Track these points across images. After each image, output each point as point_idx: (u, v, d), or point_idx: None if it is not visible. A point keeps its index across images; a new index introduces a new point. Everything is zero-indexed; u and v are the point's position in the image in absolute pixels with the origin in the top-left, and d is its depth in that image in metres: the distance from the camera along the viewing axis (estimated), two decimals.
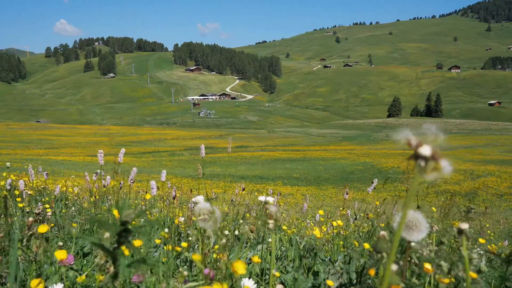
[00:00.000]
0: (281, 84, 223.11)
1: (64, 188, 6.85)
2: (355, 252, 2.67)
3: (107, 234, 1.22)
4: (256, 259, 1.62)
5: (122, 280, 1.59)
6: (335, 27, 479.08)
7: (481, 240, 2.65)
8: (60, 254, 1.34)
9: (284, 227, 4.08)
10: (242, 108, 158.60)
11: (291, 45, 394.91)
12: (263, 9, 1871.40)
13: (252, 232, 1.40)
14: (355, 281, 2.34)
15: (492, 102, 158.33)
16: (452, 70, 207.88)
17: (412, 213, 0.85)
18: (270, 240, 2.63)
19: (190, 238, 2.57)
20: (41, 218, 2.34)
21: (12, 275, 1.06)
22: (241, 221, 3.74)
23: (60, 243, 1.85)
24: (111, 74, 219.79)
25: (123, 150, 3.18)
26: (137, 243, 1.65)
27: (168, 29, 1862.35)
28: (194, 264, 2.05)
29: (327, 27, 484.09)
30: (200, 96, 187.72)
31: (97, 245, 0.80)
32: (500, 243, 6.36)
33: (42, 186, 5.41)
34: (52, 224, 2.96)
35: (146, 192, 5.26)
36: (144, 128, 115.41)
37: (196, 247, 2.56)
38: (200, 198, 1.60)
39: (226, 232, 1.50)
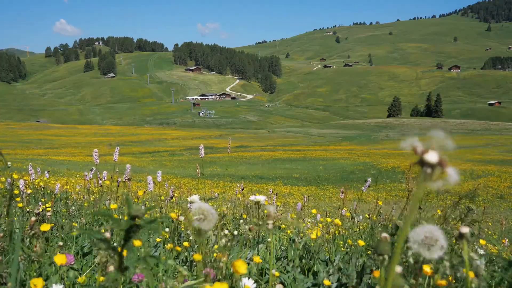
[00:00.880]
0: (281, 84, 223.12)
1: (65, 188, 6.85)
2: (355, 252, 2.67)
3: (107, 234, 1.22)
4: (257, 259, 1.62)
5: (122, 280, 1.59)
6: (335, 27, 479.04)
7: (482, 241, 2.66)
8: (60, 259, 1.34)
9: (283, 226, 4.08)
10: (242, 108, 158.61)
11: (291, 45, 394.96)
12: (263, 9, 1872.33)
13: (251, 231, 1.40)
14: (354, 281, 2.35)
15: (492, 102, 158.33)
16: (452, 70, 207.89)
17: (430, 228, 0.76)
18: (269, 240, 2.63)
19: (190, 238, 2.57)
20: (41, 218, 2.34)
21: (13, 274, 1.06)
22: (241, 221, 3.75)
23: (60, 243, 1.85)
24: (111, 74, 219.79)
25: (117, 148, 3.19)
26: (136, 243, 1.65)
27: (168, 29, 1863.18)
28: (194, 264, 2.05)
29: (327, 27, 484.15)
30: (200, 96, 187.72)
31: (103, 240, 0.80)
32: (502, 244, 6.36)
33: (42, 186, 5.41)
34: (52, 224, 2.96)
35: (145, 192, 5.26)
36: (144, 128, 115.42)
37: (196, 247, 2.56)
38: (195, 198, 1.60)
39: (226, 232, 1.50)
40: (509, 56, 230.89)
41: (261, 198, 1.33)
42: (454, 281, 1.04)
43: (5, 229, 2.42)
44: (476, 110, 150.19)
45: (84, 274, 1.76)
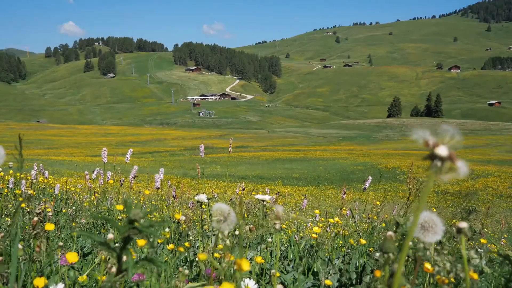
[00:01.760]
0: (281, 84, 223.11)
1: (65, 188, 6.85)
2: (355, 252, 2.68)
3: (110, 235, 1.23)
4: (259, 259, 1.62)
5: (123, 280, 1.60)
6: (335, 27, 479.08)
7: (483, 240, 2.66)
8: (72, 257, 1.34)
9: (283, 226, 4.08)
10: (242, 108, 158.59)
11: (291, 45, 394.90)
12: (263, 9, 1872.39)
13: (251, 232, 1.40)
14: (355, 281, 2.35)
15: (492, 102, 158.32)
16: (452, 70, 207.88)
17: (427, 214, 0.82)
18: (270, 240, 2.63)
19: (190, 238, 2.58)
20: (41, 218, 2.34)
21: (13, 274, 1.06)
22: (241, 221, 3.74)
23: (61, 243, 1.85)
24: (111, 74, 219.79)
25: (130, 150, 3.20)
26: (140, 242, 1.65)
27: (168, 30, 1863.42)
28: (194, 264, 2.06)
29: (327, 27, 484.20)
30: (200, 96, 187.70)
31: (103, 244, 0.80)
32: (500, 244, 6.37)
33: (43, 186, 5.41)
34: (53, 224, 2.96)
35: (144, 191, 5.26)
36: (144, 128, 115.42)
37: (196, 247, 2.56)
38: (203, 197, 1.60)
39: (226, 232, 1.50)
40: (509, 56, 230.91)
41: (266, 197, 1.33)
42: (453, 280, 1.04)
43: (6, 229, 2.42)
44: (476, 110, 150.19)
45: (85, 274, 1.77)
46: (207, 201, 1.73)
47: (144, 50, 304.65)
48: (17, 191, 3.41)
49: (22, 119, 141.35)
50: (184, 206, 4.92)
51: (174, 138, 74.84)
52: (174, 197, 3.50)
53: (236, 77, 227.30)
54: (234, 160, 40.23)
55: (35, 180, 4.74)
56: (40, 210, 1.79)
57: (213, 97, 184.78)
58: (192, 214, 3.74)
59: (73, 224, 3.25)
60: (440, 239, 1.15)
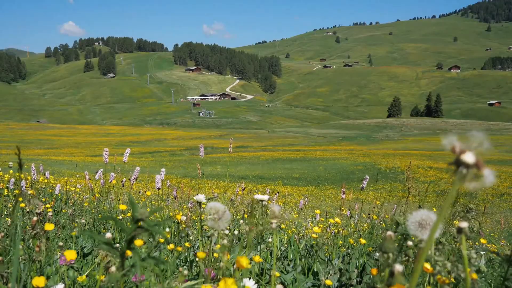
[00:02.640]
0: (281, 84, 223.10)
1: (65, 188, 6.85)
2: (355, 252, 2.68)
3: (108, 234, 1.23)
4: (257, 258, 1.62)
5: (123, 280, 1.60)
6: (335, 27, 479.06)
7: (483, 240, 2.66)
8: (70, 254, 1.34)
9: (283, 226, 4.09)
10: (242, 108, 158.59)
11: (291, 45, 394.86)
12: (263, 9, 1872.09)
13: (251, 232, 1.40)
14: (355, 281, 2.35)
15: (492, 102, 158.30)
16: (452, 70, 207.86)
17: (425, 212, 0.85)
18: (270, 240, 2.63)
19: (191, 238, 2.58)
20: (41, 218, 2.34)
21: (14, 274, 1.07)
22: (241, 221, 3.75)
23: (61, 243, 1.85)
24: (111, 74, 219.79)
25: (128, 150, 3.20)
26: (138, 242, 1.65)
27: (168, 30, 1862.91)
28: (194, 263, 2.06)
29: (327, 27, 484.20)
30: (200, 96, 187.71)
31: (106, 243, 0.80)
32: (500, 244, 6.37)
33: (43, 186, 5.41)
34: (53, 224, 2.96)
35: (145, 191, 5.27)
36: (144, 128, 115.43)
37: (196, 247, 2.57)
38: (201, 197, 1.60)
39: (226, 232, 1.50)
40: (509, 56, 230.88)
41: (265, 197, 1.34)
42: (453, 280, 1.04)
43: (6, 229, 2.42)
44: (476, 110, 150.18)
45: (85, 274, 1.77)
46: (206, 201, 1.73)
47: (144, 50, 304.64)
48: (16, 191, 3.41)
49: (22, 119, 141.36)
50: (184, 206, 4.92)
51: (174, 138, 74.85)
52: (175, 197, 3.50)
53: (236, 77, 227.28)
54: (234, 160, 40.23)
55: (35, 180, 4.74)
56: (41, 210, 1.80)
57: (213, 97, 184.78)
58: (191, 214, 3.74)
59: (75, 224, 3.26)
60: (439, 239, 1.15)
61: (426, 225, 0.83)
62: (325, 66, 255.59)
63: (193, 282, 1.17)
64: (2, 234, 1.69)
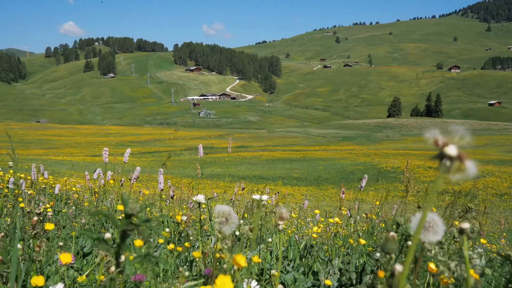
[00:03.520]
0: (281, 84, 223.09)
1: (65, 188, 6.85)
2: (355, 252, 2.68)
3: (107, 234, 1.23)
4: (256, 258, 1.62)
5: (123, 280, 1.60)
6: (335, 27, 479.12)
7: (483, 240, 2.66)
8: (65, 258, 1.34)
9: (283, 226, 4.08)
10: (242, 108, 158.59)
11: (291, 45, 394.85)
12: (263, 9, 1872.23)
13: (251, 232, 1.40)
14: (354, 281, 2.35)
15: (492, 102, 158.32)
16: (452, 70, 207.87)
17: (429, 214, 0.83)
18: (270, 240, 2.63)
19: (191, 238, 2.57)
20: (41, 218, 2.34)
21: (13, 274, 1.06)
22: (241, 221, 3.74)
23: (61, 243, 1.85)
24: (111, 74, 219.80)
25: (128, 150, 3.19)
26: (138, 243, 1.65)
27: (168, 30, 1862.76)
28: (194, 264, 2.05)
29: (327, 27, 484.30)
30: (200, 96, 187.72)
31: (100, 240, 0.80)
32: (500, 244, 6.37)
33: (43, 186, 5.41)
34: (53, 224, 2.96)
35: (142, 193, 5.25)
36: (144, 128, 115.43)
37: (196, 247, 2.56)
38: (200, 197, 1.60)
39: (227, 233, 1.50)
40: (509, 56, 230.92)
41: (264, 197, 1.33)
42: (453, 280, 1.04)
43: (5, 228, 2.42)
44: (476, 110, 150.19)
45: (85, 274, 1.77)
46: (205, 201, 1.73)
47: (144, 50, 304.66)
48: (16, 191, 3.41)
49: (22, 119, 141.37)
50: (184, 206, 4.92)
51: (174, 138, 74.87)
52: (172, 197, 3.50)
53: (236, 77, 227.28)
54: (234, 160, 40.23)
55: (35, 180, 4.74)
56: (40, 210, 1.79)
57: (213, 97, 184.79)
58: (191, 214, 3.74)
59: (74, 224, 3.26)
60: (441, 240, 1.15)
61: (429, 227, 0.82)
62: (325, 66, 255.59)
63: (193, 283, 1.16)
64: (2, 234, 1.68)
